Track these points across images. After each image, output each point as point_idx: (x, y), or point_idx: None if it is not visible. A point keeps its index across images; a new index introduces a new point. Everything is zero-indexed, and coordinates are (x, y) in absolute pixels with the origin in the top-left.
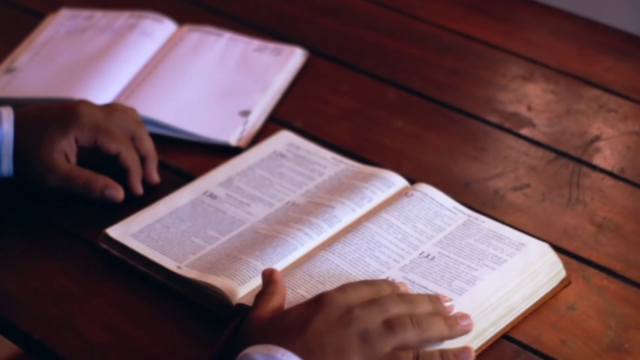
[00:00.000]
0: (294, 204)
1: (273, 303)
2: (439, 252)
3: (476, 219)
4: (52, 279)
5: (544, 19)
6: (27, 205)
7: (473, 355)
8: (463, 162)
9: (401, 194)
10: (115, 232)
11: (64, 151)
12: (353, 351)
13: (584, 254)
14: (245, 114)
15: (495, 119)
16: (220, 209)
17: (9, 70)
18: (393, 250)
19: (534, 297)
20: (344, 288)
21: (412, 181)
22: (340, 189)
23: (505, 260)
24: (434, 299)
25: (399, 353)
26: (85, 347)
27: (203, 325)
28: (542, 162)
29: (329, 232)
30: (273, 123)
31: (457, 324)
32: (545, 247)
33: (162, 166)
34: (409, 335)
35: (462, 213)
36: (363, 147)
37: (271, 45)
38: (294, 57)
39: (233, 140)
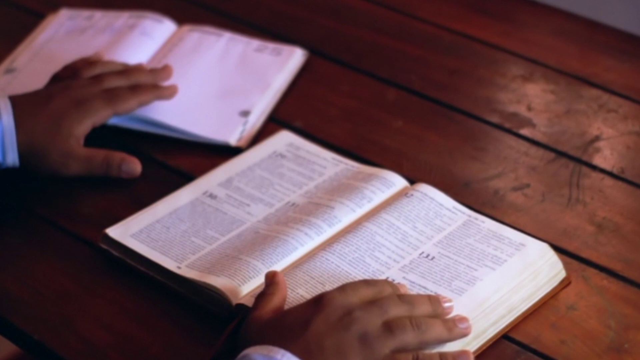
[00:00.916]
0: (293, 204)
1: (273, 304)
2: (439, 253)
3: (476, 219)
4: (52, 279)
5: (544, 19)
6: (27, 206)
7: (472, 358)
8: (463, 162)
9: (401, 194)
10: (115, 232)
11: (80, 138)
12: (353, 353)
13: (584, 254)
14: (245, 114)
15: (495, 119)
16: (220, 209)
17: (9, 70)
18: (393, 251)
19: (533, 297)
20: (344, 288)
21: (412, 181)
22: (340, 189)
23: (505, 261)
24: (434, 300)
25: (398, 355)
26: (85, 347)
27: (203, 325)
28: (542, 162)
29: (329, 232)
30: (273, 123)
31: (455, 327)
32: (545, 247)
33: (162, 166)
34: (408, 337)
35: (462, 213)
36: (363, 147)
37: (271, 45)
38: (294, 57)
39: (233, 140)
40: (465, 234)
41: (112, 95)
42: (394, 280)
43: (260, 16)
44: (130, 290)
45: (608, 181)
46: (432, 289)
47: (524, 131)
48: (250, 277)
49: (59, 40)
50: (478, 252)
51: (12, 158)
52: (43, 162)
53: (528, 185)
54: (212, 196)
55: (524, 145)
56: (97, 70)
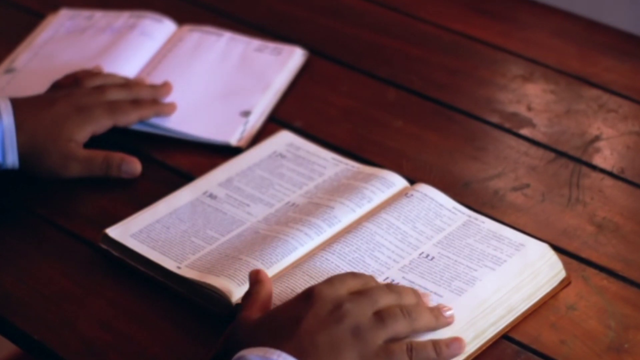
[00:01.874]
0: (293, 204)
1: (259, 303)
2: (439, 253)
3: (476, 219)
4: (52, 279)
5: (544, 19)
6: (27, 206)
7: (464, 345)
8: (463, 162)
9: (401, 194)
10: (115, 232)
11: (80, 143)
12: (347, 347)
13: (584, 254)
14: (246, 114)
15: (495, 119)
16: (220, 209)
17: (9, 70)
18: (393, 251)
19: (533, 297)
20: (331, 281)
21: (412, 181)
22: (340, 189)
23: (505, 261)
24: (416, 291)
25: (392, 346)
26: (85, 347)
27: (203, 325)
28: (542, 162)
29: (328, 232)
30: (273, 123)
31: (441, 315)
32: (545, 247)
33: (162, 166)
34: (400, 326)
35: (462, 213)
36: (363, 147)
37: (271, 45)
38: (294, 57)
39: (233, 140)
40: (465, 234)
41: (114, 107)
42: (393, 280)
43: (260, 16)
44: (130, 290)
45: (608, 181)
46: (432, 289)
47: (524, 131)
48: None
49: (58, 40)
50: (478, 253)
51: (12, 159)
52: (43, 164)
53: (528, 185)
54: (212, 196)
55: (524, 145)
56: (98, 82)
